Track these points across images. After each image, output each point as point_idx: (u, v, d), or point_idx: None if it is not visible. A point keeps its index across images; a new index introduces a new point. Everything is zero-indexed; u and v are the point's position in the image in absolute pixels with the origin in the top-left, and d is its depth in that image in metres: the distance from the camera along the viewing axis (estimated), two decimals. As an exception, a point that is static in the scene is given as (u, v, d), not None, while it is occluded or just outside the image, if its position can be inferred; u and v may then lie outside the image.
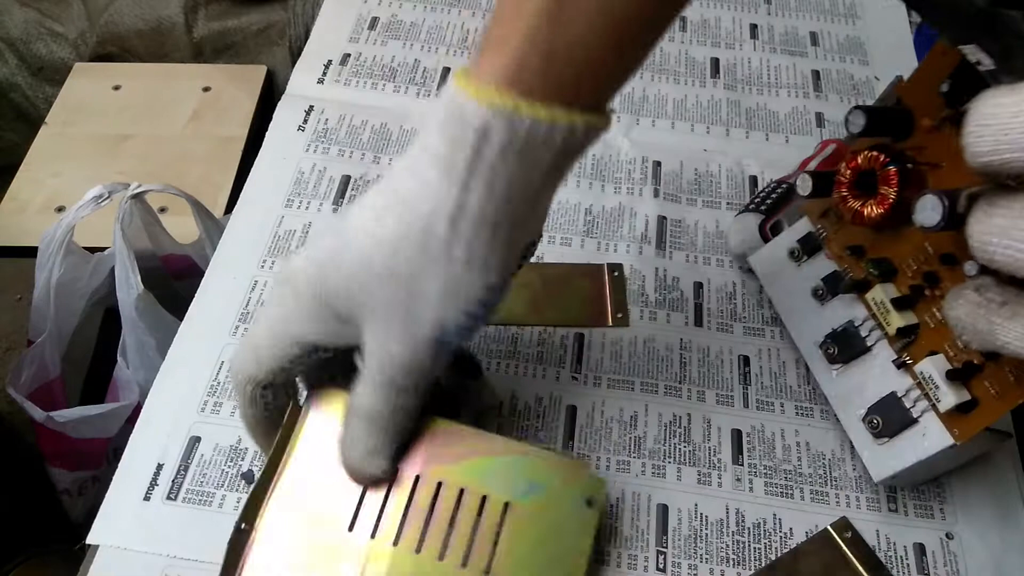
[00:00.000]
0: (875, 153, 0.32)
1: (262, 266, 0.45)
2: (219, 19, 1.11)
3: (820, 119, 0.55)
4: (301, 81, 0.56)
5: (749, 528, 0.37)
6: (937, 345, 0.32)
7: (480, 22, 0.60)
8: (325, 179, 0.50)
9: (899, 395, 0.33)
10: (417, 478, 0.34)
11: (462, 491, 0.34)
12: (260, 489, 0.33)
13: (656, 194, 0.50)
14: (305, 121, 0.53)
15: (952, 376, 0.31)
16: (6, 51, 1.11)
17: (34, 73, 1.12)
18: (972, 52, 0.26)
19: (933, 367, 0.31)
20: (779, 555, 0.36)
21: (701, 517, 0.37)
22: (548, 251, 0.47)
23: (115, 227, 0.62)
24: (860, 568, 0.35)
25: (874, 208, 0.32)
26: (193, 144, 0.97)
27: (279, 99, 0.54)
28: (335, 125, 0.53)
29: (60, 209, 0.90)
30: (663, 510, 0.38)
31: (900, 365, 0.33)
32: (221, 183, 0.92)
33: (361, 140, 0.52)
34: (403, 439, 0.33)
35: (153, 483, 0.37)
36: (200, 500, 0.37)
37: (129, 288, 0.61)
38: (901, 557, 0.36)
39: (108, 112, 1.01)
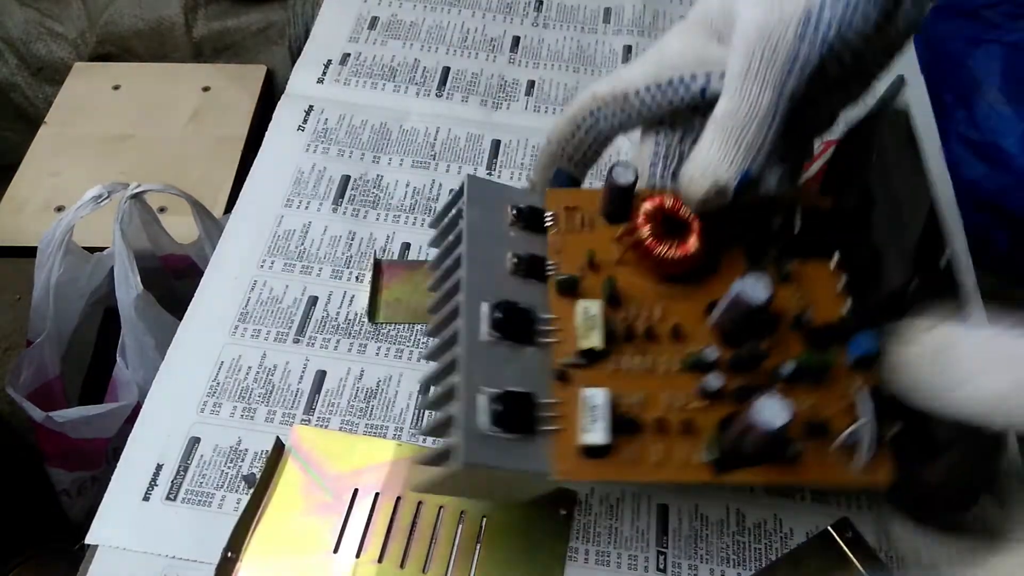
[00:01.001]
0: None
1: (261, 266, 0.45)
2: (219, 19, 1.11)
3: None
4: (301, 81, 0.56)
5: (749, 528, 0.37)
6: (613, 386, 0.29)
7: (480, 22, 0.60)
8: (325, 179, 0.50)
9: (537, 400, 0.29)
10: (398, 499, 0.36)
11: (441, 508, 0.36)
12: (246, 518, 0.35)
13: (656, 194, 0.50)
14: (305, 121, 0.53)
15: (616, 418, 0.28)
16: (6, 51, 1.11)
17: (34, 73, 1.12)
18: None
19: (603, 399, 0.28)
20: (779, 555, 0.36)
21: (701, 517, 0.37)
22: (548, 251, 0.47)
23: (114, 227, 0.62)
24: (861, 568, 0.35)
25: (673, 250, 0.31)
26: (193, 144, 0.97)
27: (279, 99, 0.54)
28: (335, 125, 0.53)
29: (59, 209, 0.90)
30: (663, 510, 0.38)
31: (560, 377, 0.29)
32: (221, 183, 0.92)
33: (361, 140, 0.52)
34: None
35: (152, 483, 0.37)
36: (199, 501, 0.37)
37: (128, 288, 0.61)
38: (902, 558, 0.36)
39: (108, 112, 1.01)
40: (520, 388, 0.29)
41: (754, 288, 0.28)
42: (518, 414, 0.28)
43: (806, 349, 0.30)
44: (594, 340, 0.30)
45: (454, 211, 0.33)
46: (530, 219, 0.32)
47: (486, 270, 0.31)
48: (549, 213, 0.33)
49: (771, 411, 0.26)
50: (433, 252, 0.35)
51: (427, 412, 0.36)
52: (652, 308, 0.31)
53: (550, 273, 0.31)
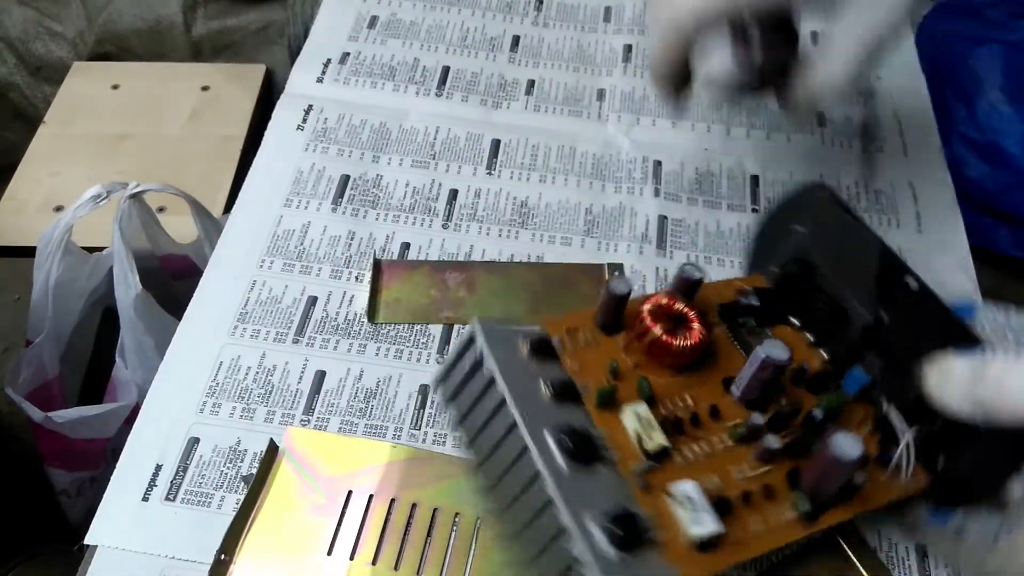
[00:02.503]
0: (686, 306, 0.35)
1: (261, 266, 0.45)
2: (218, 18, 1.11)
3: (821, 118, 0.55)
4: (300, 80, 0.55)
5: (750, 529, 0.37)
6: (690, 475, 0.31)
7: (480, 21, 0.60)
8: (324, 178, 0.49)
9: (638, 515, 0.29)
10: (392, 501, 0.36)
11: (435, 510, 0.36)
12: (239, 520, 0.34)
13: (657, 193, 0.50)
14: (304, 120, 0.53)
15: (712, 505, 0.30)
16: (4, 50, 1.10)
17: (32, 72, 1.12)
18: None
19: (696, 490, 0.30)
20: (780, 558, 0.36)
21: (702, 518, 0.37)
22: (548, 251, 0.47)
23: (114, 227, 0.61)
24: (864, 572, 0.35)
25: (685, 340, 0.33)
26: (192, 143, 0.97)
27: (278, 98, 0.54)
28: (334, 124, 0.53)
29: (58, 209, 0.90)
30: (664, 511, 0.37)
31: (645, 488, 0.30)
32: (220, 182, 0.92)
33: (360, 139, 0.52)
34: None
35: (152, 484, 0.37)
36: (199, 501, 0.37)
37: (128, 288, 0.61)
38: (903, 559, 0.36)
39: (107, 111, 1.01)
40: (615, 506, 0.29)
41: (776, 350, 0.32)
42: (630, 531, 0.28)
43: (822, 395, 0.33)
44: (659, 439, 0.31)
45: (472, 360, 0.32)
46: (542, 349, 0.33)
47: (530, 403, 0.31)
48: (555, 339, 0.34)
49: (847, 444, 0.29)
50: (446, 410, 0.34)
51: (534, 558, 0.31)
52: (683, 398, 0.33)
53: (584, 393, 0.32)
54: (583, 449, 0.30)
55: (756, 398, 0.33)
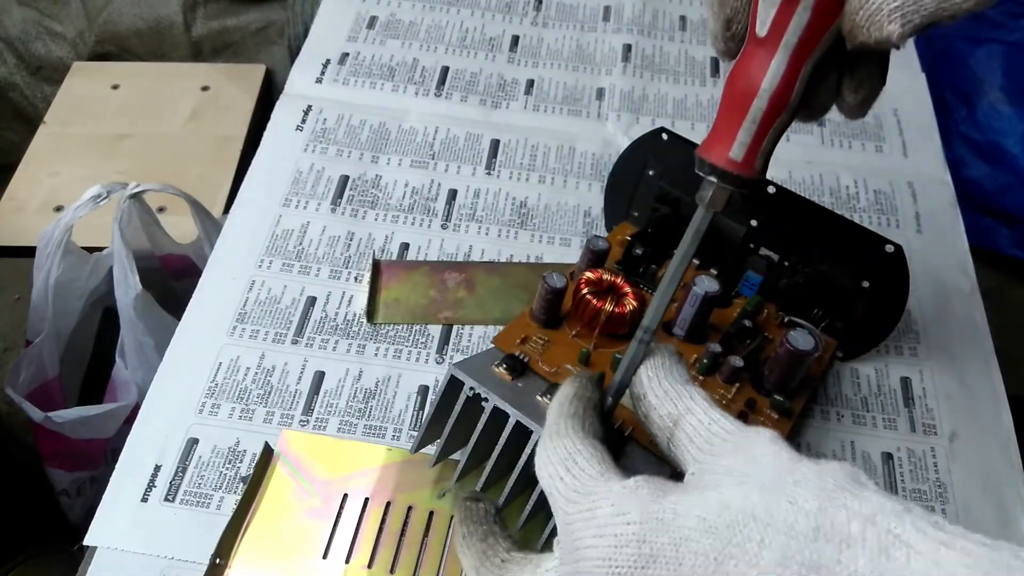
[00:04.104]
0: (619, 278, 0.37)
1: (260, 266, 0.45)
2: (218, 18, 1.11)
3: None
4: (299, 80, 0.55)
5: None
6: None
7: (479, 21, 0.60)
8: (323, 179, 0.49)
9: None
10: (388, 504, 0.36)
11: (432, 513, 0.36)
12: (235, 524, 0.34)
13: (656, 194, 0.50)
14: (303, 121, 0.53)
15: None
16: (5, 50, 1.11)
17: (33, 72, 1.12)
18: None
19: None
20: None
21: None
22: (547, 251, 0.47)
23: (113, 227, 0.62)
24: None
25: (629, 305, 0.36)
26: (192, 143, 0.97)
27: (278, 98, 0.54)
28: (333, 124, 0.53)
29: (58, 208, 0.90)
30: (663, 511, 0.37)
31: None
32: (220, 182, 0.92)
33: (359, 140, 0.52)
34: None
35: (151, 484, 0.37)
36: (198, 502, 0.37)
37: (127, 288, 0.61)
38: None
39: (106, 111, 1.01)
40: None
41: (709, 284, 0.36)
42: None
43: (741, 307, 0.39)
44: None
45: (462, 401, 0.33)
46: (516, 367, 0.35)
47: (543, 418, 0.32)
48: (517, 354, 0.35)
49: (802, 339, 0.34)
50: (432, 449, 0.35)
51: None
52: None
53: None
54: (610, 436, 0.32)
55: (696, 331, 0.37)
